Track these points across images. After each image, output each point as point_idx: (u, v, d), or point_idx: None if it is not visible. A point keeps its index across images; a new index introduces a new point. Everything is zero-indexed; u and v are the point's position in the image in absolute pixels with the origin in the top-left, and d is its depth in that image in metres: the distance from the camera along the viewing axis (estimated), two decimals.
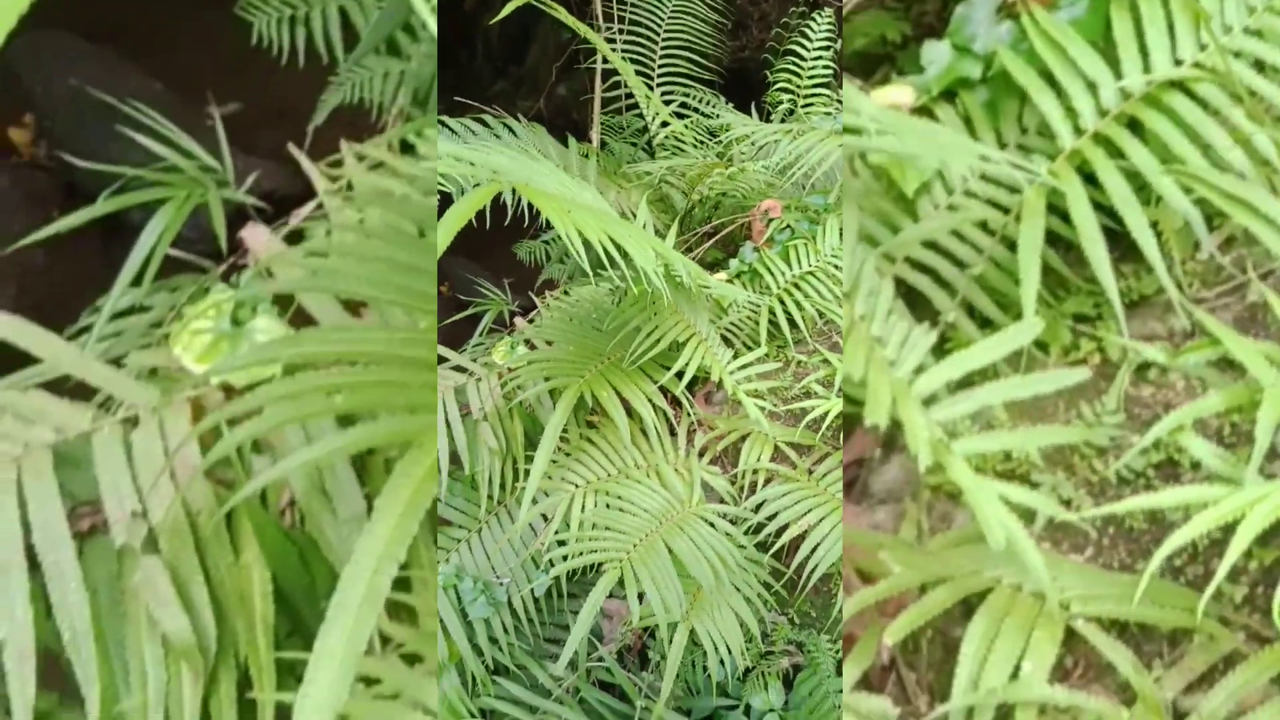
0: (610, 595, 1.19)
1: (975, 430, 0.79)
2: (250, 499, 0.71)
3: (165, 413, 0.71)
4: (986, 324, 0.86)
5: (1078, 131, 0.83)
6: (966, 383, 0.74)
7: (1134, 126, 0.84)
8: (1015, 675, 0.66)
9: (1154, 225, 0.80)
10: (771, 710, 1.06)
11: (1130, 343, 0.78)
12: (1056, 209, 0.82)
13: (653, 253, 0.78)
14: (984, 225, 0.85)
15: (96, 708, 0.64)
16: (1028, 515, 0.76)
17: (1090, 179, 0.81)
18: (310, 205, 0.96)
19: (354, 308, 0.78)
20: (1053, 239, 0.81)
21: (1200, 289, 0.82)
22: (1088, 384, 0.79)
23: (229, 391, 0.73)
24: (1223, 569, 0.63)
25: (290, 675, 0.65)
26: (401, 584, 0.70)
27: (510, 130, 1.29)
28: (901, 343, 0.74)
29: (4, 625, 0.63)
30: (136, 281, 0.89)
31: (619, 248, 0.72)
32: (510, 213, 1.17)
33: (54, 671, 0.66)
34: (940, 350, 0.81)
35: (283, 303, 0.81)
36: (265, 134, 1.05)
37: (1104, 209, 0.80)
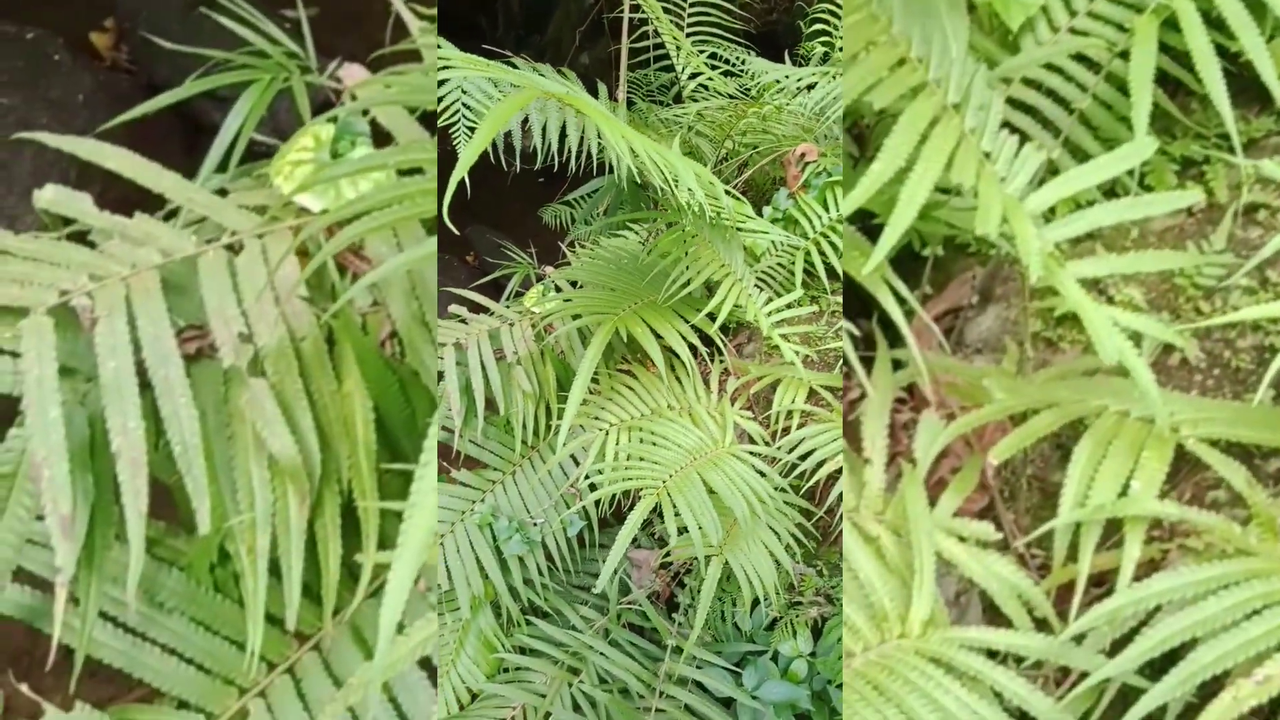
0: (639, 546, 1.20)
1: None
2: (352, 329, 0.71)
3: (268, 239, 0.72)
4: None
5: None
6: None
7: None
8: (1124, 494, 0.64)
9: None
10: (800, 656, 1.07)
11: (1246, 161, 0.73)
12: (1166, 48, 0.77)
13: (694, 177, 0.77)
14: (1091, 62, 0.79)
15: (207, 521, 0.66)
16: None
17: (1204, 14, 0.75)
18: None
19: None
20: (1160, 80, 0.77)
21: None
22: (1191, 230, 0.75)
23: (330, 228, 0.73)
24: None
25: (391, 500, 0.65)
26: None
27: (542, 75, 1.27)
28: (1012, 159, 0.70)
29: (117, 438, 0.64)
30: (223, 168, 0.89)
31: (666, 166, 0.71)
32: (540, 157, 1.15)
33: (163, 502, 0.70)
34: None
35: (382, 142, 0.79)
36: (342, 39, 1.05)
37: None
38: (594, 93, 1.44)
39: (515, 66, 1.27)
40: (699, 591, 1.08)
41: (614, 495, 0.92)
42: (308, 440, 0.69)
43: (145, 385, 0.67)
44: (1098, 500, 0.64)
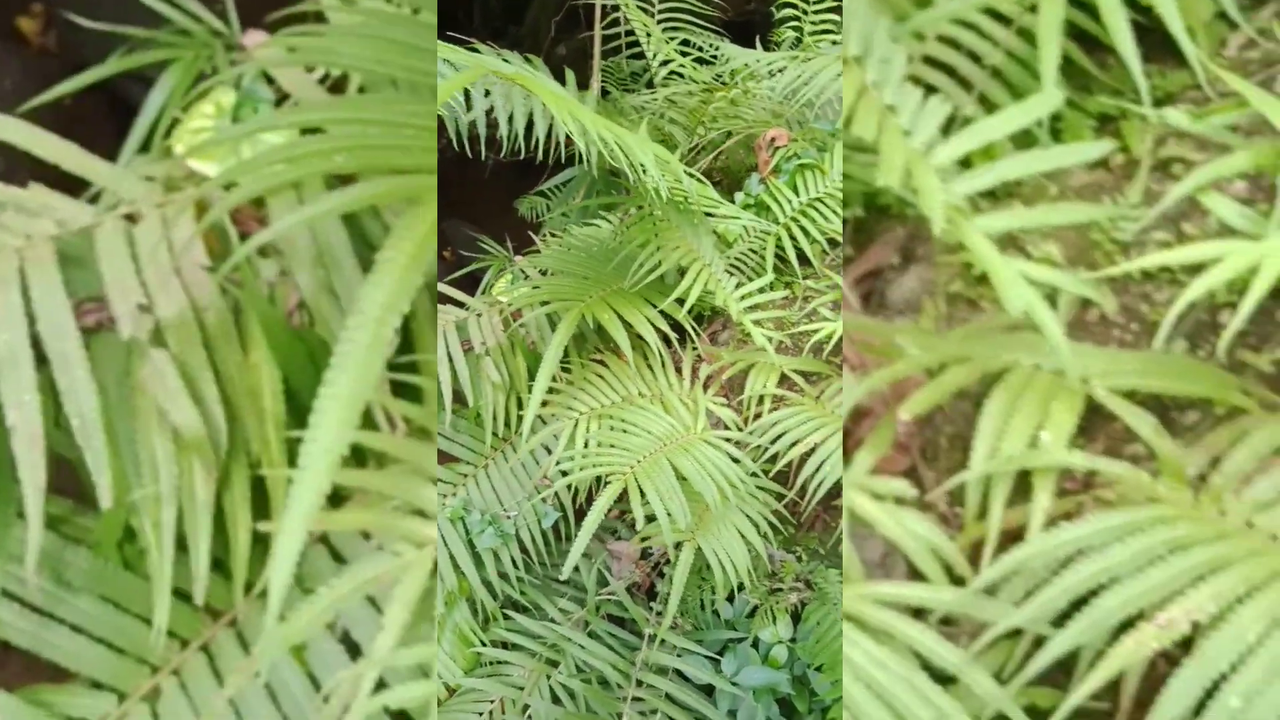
0: (618, 537, 1.20)
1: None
2: (258, 299, 0.70)
3: (168, 208, 0.70)
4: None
5: None
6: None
7: None
8: (1034, 445, 0.64)
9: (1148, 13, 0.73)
10: (780, 642, 1.07)
11: (1153, 110, 0.73)
12: (1081, 3, 0.76)
13: (651, 155, 0.75)
14: (1004, 17, 0.78)
15: (108, 496, 0.64)
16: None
17: None
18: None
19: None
20: (1078, 36, 0.76)
21: (1226, 85, 0.76)
22: (1110, 185, 0.75)
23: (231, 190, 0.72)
24: (1237, 319, 0.60)
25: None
26: (409, 368, 0.70)
27: (506, 61, 1.25)
28: (916, 111, 0.69)
29: (11, 412, 0.63)
30: (146, 148, 0.87)
31: (621, 148, 0.70)
32: (506, 145, 1.14)
33: (67, 478, 0.68)
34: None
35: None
36: (271, 6, 1.02)
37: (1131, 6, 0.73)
38: (562, 81, 1.42)
39: (508, 60, 1.25)
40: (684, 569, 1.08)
41: (590, 487, 0.91)
42: (213, 412, 0.68)
43: (42, 359, 0.65)
44: (1008, 450, 0.64)
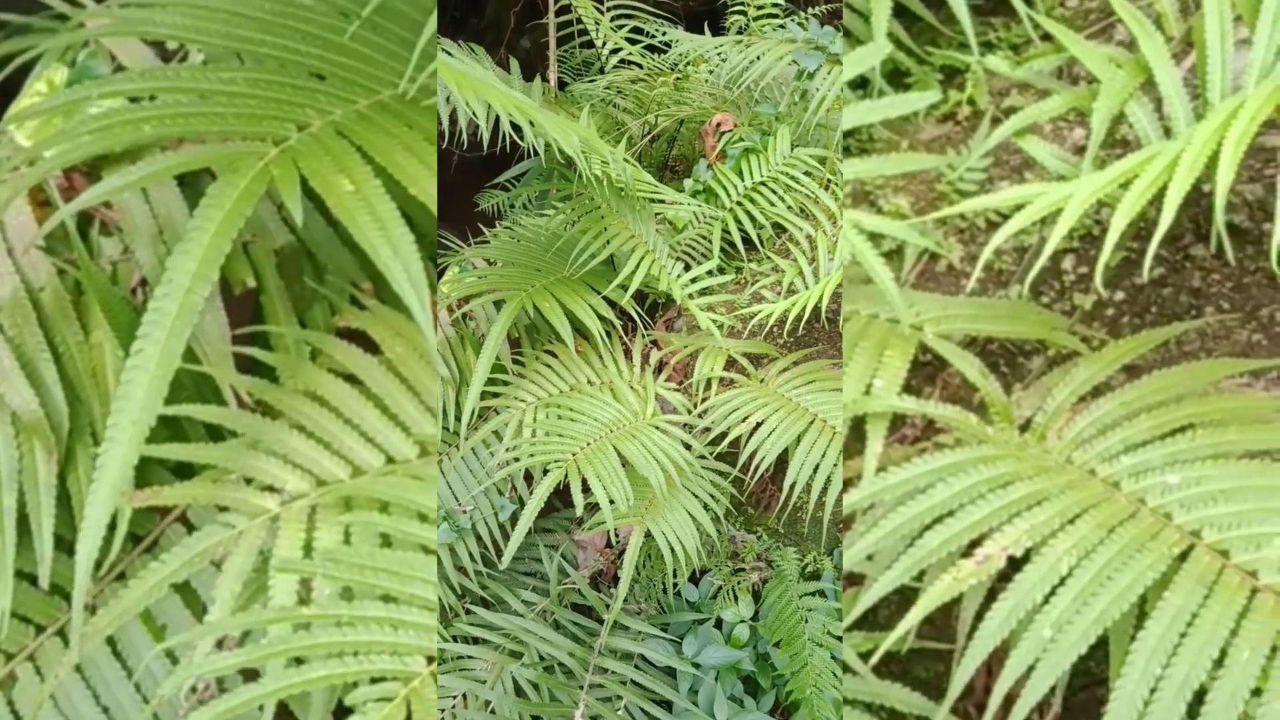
0: (589, 528, 1.20)
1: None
2: (97, 278, 0.68)
3: None
4: (857, 85, 0.82)
5: None
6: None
7: None
8: (868, 392, 0.66)
9: None
10: (742, 621, 1.09)
11: (978, 57, 0.76)
12: None
13: (575, 137, 0.75)
14: None
15: None
16: (897, 269, 0.75)
17: None
18: None
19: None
20: None
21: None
22: (957, 138, 0.77)
23: (70, 173, 0.70)
24: (1045, 252, 0.62)
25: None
26: (262, 343, 0.70)
27: (446, 52, 1.23)
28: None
29: None
30: None
31: (535, 128, 0.69)
32: (447, 137, 1.12)
33: None
34: None
35: None
36: None
37: None
38: (511, 70, 1.40)
39: (449, 53, 1.23)
40: (642, 567, 1.09)
41: (550, 479, 0.91)
42: (53, 393, 0.67)
43: None
44: (844, 397, 0.66)
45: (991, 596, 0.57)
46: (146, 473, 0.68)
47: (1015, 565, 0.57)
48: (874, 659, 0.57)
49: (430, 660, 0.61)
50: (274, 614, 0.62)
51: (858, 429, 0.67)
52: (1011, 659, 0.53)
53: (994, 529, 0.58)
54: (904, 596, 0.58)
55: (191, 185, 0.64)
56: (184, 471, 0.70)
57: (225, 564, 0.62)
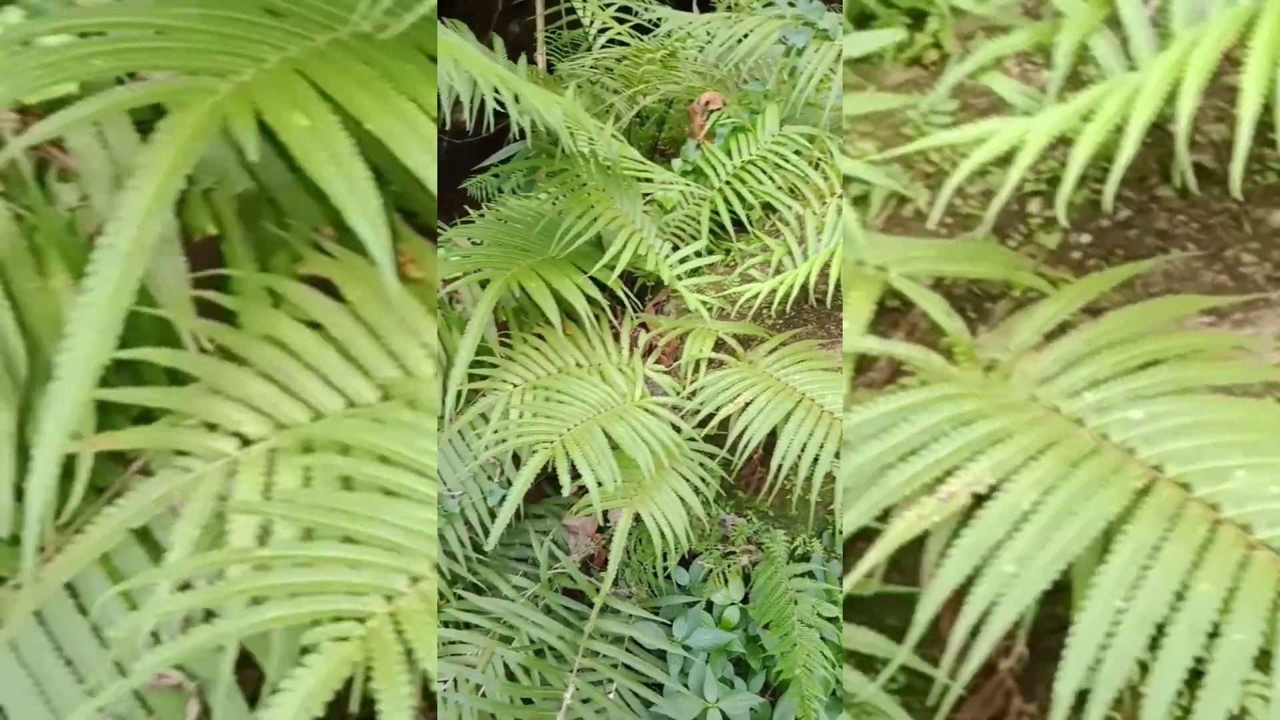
0: (577, 513, 1.20)
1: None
2: (53, 223, 0.67)
3: None
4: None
5: None
6: None
7: None
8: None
9: None
10: (732, 603, 1.09)
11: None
12: None
13: (559, 110, 0.73)
14: None
15: None
16: (864, 213, 0.74)
17: None
18: None
19: None
20: None
21: None
22: (924, 82, 0.75)
23: (24, 113, 0.68)
24: (1006, 185, 0.61)
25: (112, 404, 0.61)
26: (223, 287, 0.68)
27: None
28: None
29: None
30: None
31: (519, 100, 0.67)
32: (447, 121, 1.09)
33: None
34: None
35: None
36: None
37: None
38: (500, 51, 1.37)
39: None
40: (633, 551, 1.08)
41: (543, 463, 0.90)
42: (10, 342, 0.65)
43: None
44: (795, 455, 0.67)
45: (957, 538, 0.57)
46: (107, 422, 0.67)
47: (979, 504, 0.56)
48: (839, 601, 0.56)
49: (389, 599, 0.60)
50: (232, 554, 0.60)
51: None
52: (973, 595, 0.52)
53: (957, 466, 0.57)
54: (870, 541, 0.57)
55: (150, 131, 0.61)
56: (146, 420, 0.68)
57: (184, 509, 0.61)
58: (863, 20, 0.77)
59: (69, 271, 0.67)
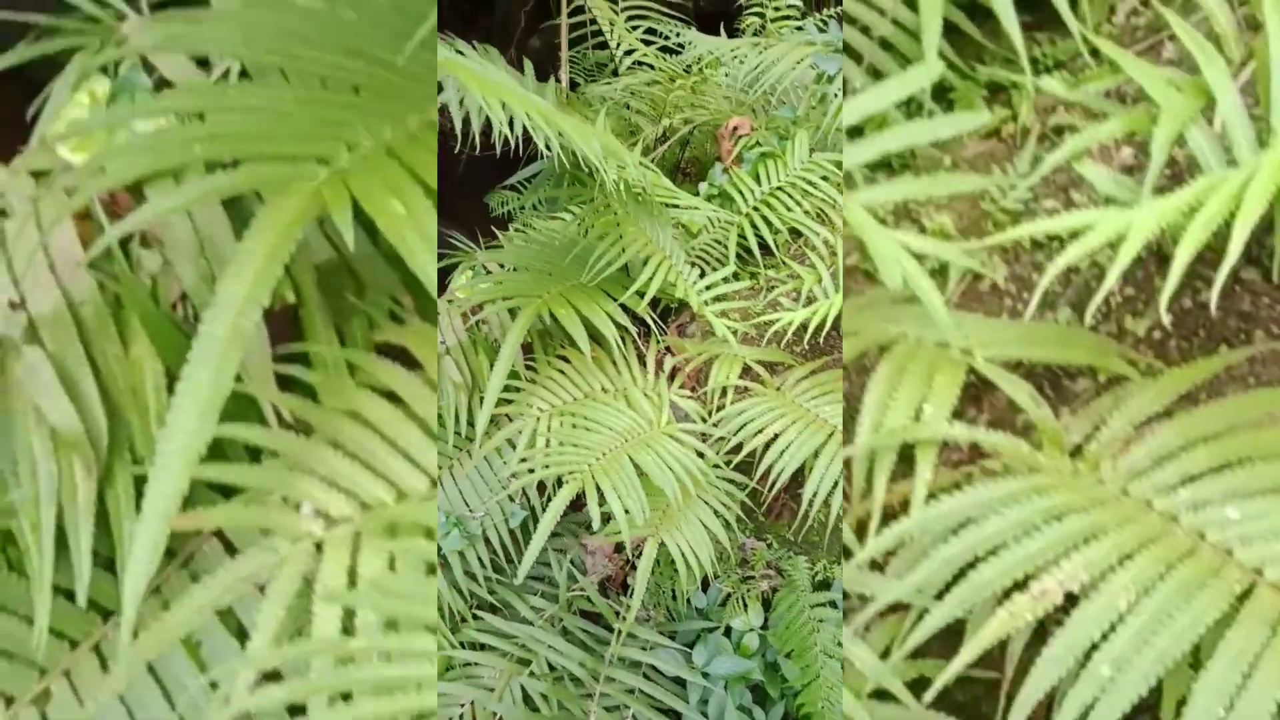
0: (592, 532, 1.19)
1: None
2: (136, 292, 0.68)
3: (41, 203, 0.68)
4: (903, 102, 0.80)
5: None
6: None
7: None
8: (918, 419, 0.65)
9: None
10: (751, 630, 1.08)
11: (1031, 79, 0.74)
12: None
13: (597, 143, 0.74)
14: None
15: None
16: (941, 286, 0.73)
17: None
18: None
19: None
20: (968, 9, 0.76)
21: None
22: (1001, 154, 0.75)
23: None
24: (1108, 280, 0.61)
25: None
26: (302, 360, 0.69)
27: (458, 52, 1.22)
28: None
29: None
30: None
31: (563, 135, 0.68)
32: (461, 141, 1.11)
33: None
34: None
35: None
36: None
37: None
38: (524, 71, 1.39)
39: (461, 52, 1.22)
40: (651, 573, 1.08)
41: (555, 484, 0.90)
42: (92, 409, 0.66)
43: None
44: (891, 424, 0.65)
45: (1037, 632, 0.56)
46: (189, 494, 0.68)
47: (1068, 601, 0.56)
48: (929, 695, 0.55)
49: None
50: (318, 645, 0.60)
51: (903, 454, 0.65)
52: (1070, 697, 0.51)
53: (1049, 563, 0.56)
54: (946, 627, 0.57)
55: (233, 200, 0.63)
56: (226, 489, 0.69)
57: (268, 589, 0.61)
58: (940, 93, 0.76)
59: (151, 339, 0.68)
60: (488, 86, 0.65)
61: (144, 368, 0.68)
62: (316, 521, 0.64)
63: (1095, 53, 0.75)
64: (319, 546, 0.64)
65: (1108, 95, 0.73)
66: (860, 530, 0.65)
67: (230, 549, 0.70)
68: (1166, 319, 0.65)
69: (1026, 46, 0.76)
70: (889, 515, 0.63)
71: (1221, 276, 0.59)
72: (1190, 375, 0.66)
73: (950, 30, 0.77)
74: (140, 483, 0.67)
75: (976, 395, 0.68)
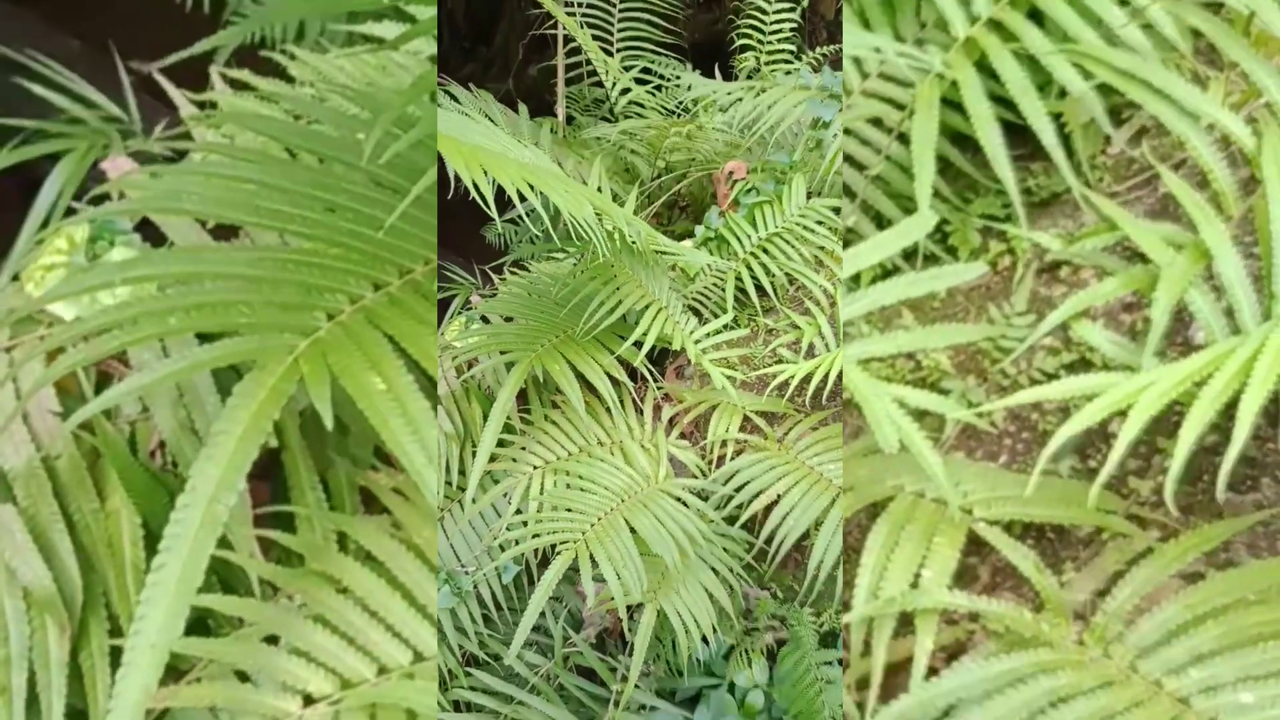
0: (594, 580, 1.16)
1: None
2: (113, 443, 0.66)
3: (15, 352, 0.67)
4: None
5: (972, 21, 0.77)
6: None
7: (1033, 15, 0.77)
8: (916, 584, 0.62)
9: (1059, 118, 0.75)
10: (756, 687, 1.03)
11: (1026, 233, 0.74)
12: (961, 107, 0.76)
13: (590, 206, 0.72)
14: (881, 123, 0.79)
15: None
16: (938, 425, 0.73)
17: (991, 72, 0.75)
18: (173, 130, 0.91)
19: (228, 234, 0.73)
20: (961, 140, 0.77)
21: (1111, 183, 0.77)
22: (997, 288, 0.75)
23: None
24: (1114, 456, 0.59)
25: None
26: (286, 524, 0.67)
27: (451, 96, 1.22)
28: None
29: None
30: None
31: (544, 198, 0.67)
32: (450, 189, 1.10)
33: None
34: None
35: (157, 242, 0.74)
36: (187, 88, 1.01)
37: (1010, 105, 0.74)
38: (515, 108, 1.39)
39: (453, 95, 1.22)
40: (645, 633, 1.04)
41: (560, 562, 0.87)
42: (66, 565, 0.64)
43: None
44: (890, 589, 0.63)
45: None
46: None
47: None
48: None
49: None
50: None
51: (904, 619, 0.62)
52: None
53: None
54: None
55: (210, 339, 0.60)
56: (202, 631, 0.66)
57: None
58: (940, 235, 0.76)
59: (128, 491, 0.66)
60: (470, 155, 0.63)
61: (121, 520, 0.66)
62: (294, 699, 0.61)
63: (1089, 184, 0.74)
64: None
65: (1110, 252, 0.72)
66: (861, 686, 0.62)
67: None
68: (1174, 510, 0.62)
69: (1020, 177, 0.76)
70: (889, 670, 0.60)
71: (1229, 462, 0.56)
72: (1200, 541, 0.64)
73: (942, 162, 0.76)
74: (116, 653, 0.64)
75: (978, 541, 0.65)
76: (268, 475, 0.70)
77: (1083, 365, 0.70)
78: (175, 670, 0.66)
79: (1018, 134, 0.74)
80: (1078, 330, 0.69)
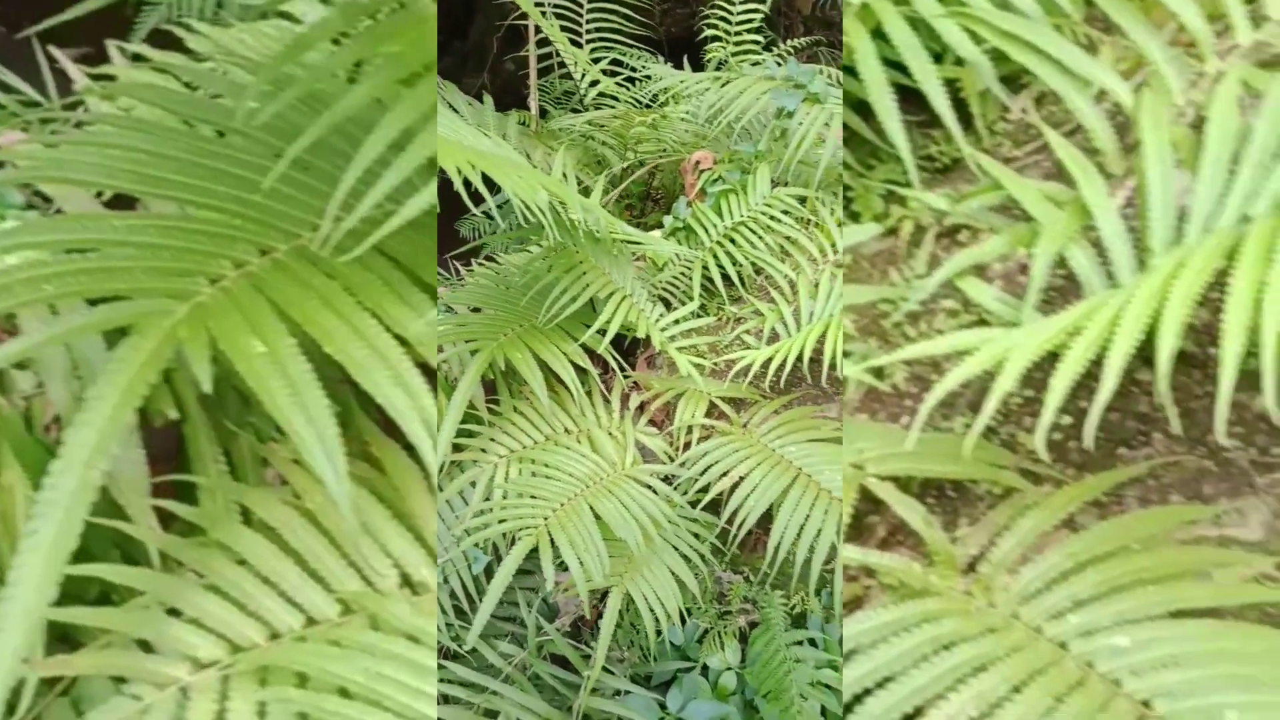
0: (559, 585, 1.16)
1: None
2: (10, 418, 0.64)
3: None
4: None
5: None
6: None
7: None
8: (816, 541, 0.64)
9: (954, 84, 0.75)
10: (728, 669, 1.05)
11: (918, 193, 0.74)
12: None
13: (544, 193, 0.73)
14: None
15: None
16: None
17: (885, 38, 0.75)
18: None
19: (127, 207, 0.71)
20: (864, 107, 0.76)
21: (1011, 149, 0.78)
22: (900, 253, 0.76)
23: None
24: (988, 407, 0.60)
25: (66, 598, 0.57)
26: (188, 494, 0.66)
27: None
28: None
29: None
30: None
31: (489, 182, 0.67)
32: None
33: None
34: None
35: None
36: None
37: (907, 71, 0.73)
38: (481, 100, 1.38)
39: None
40: (625, 612, 1.05)
41: (521, 547, 0.87)
42: None
43: None
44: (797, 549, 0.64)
45: None
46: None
47: None
48: (839, 667, 0.54)
49: None
50: None
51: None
52: None
53: (938, 695, 0.55)
54: None
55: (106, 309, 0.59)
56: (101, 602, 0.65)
57: None
58: (845, 201, 0.76)
59: (22, 466, 0.64)
60: (441, 147, 0.63)
61: (16, 494, 0.64)
62: (183, 665, 0.60)
63: (986, 152, 0.76)
64: (185, 692, 0.60)
65: (998, 211, 0.73)
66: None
67: (76, 707, 0.64)
68: (1045, 455, 0.64)
69: (922, 144, 0.76)
70: None
71: (1096, 411, 0.57)
72: (1083, 492, 0.65)
73: (846, 130, 0.77)
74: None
75: (877, 500, 0.67)
76: (169, 452, 0.68)
77: (981, 327, 0.71)
78: (74, 641, 0.65)
79: (918, 103, 0.73)
80: (969, 291, 0.70)
